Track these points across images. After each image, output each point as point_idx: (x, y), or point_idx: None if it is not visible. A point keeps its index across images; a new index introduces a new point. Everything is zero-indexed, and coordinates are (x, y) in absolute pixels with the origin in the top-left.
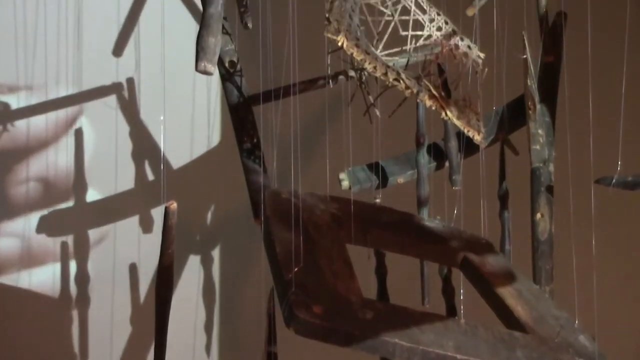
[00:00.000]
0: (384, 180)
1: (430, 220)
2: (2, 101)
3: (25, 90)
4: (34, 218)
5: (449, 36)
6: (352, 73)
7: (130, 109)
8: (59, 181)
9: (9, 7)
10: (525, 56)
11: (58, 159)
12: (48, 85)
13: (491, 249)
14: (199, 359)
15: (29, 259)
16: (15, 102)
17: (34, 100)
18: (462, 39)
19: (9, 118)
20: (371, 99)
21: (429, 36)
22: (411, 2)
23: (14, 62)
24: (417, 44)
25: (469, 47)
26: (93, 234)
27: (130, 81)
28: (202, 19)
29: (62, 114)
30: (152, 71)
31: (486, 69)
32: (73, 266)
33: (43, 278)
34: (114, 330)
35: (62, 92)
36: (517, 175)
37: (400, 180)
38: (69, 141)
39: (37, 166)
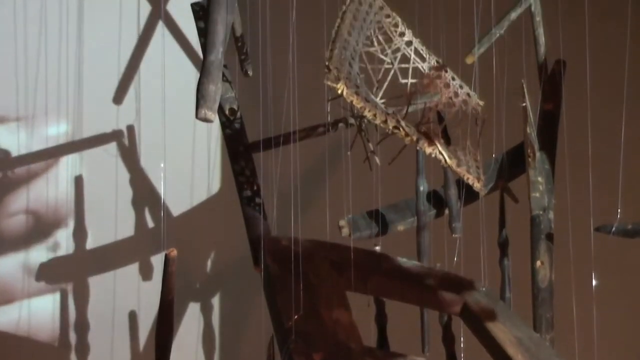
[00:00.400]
0: (384, 227)
1: (430, 267)
2: (3, 149)
3: (26, 138)
4: (33, 265)
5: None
6: (352, 120)
7: (130, 156)
8: (59, 228)
9: (9, 55)
10: (524, 104)
11: (58, 205)
12: (49, 133)
13: (491, 297)
14: None
15: (28, 306)
16: (16, 149)
17: (35, 147)
18: (461, 87)
19: (10, 165)
20: (371, 146)
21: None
22: (411, 50)
23: (14, 108)
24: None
25: (468, 94)
26: (93, 281)
27: (130, 129)
28: (203, 67)
29: (63, 161)
30: (153, 119)
31: (486, 117)
32: (72, 313)
33: (42, 325)
34: None
35: (63, 140)
36: (517, 222)
37: (400, 227)
38: (69, 188)
39: (36, 213)
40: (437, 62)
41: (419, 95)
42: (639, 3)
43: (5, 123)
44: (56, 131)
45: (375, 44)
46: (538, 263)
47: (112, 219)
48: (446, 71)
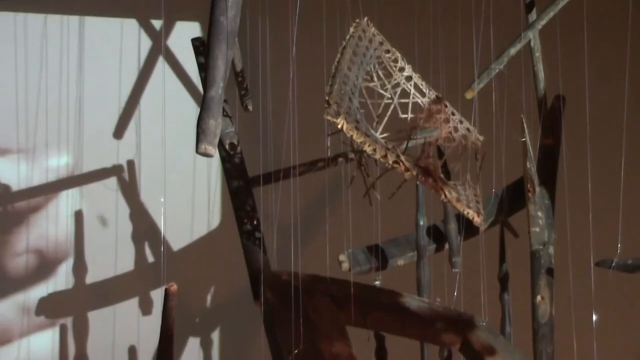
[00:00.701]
0: (384, 262)
1: (430, 302)
2: (3, 183)
3: (27, 172)
4: (32, 300)
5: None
6: (352, 155)
7: (130, 190)
8: (59, 262)
9: (11, 88)
10: (524, 139)
11: (58, 239)
12: (49, 167)
13: (492, 332)
14: None
15: (28, 342)
16: (16, 183)
17: (35, 181)
18: (461, 122)
19: (10, 199)
20: (371, 180)
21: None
22: (410, 85)
23: (15, 142)
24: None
25: (468, 129)
26: (92, 316)
27: (130, 163)
28: (203, 102)
29: (63, 195)
30: (153, 153)
31: (485, 152)
32: (72, 348)
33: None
34: None
35: (63, 174)
36: (517, 257)
37: (400, 262)
38: (69, 222)
39: (36, 247)
40: (437, 96)
41: (419, 130)
42: (638, 40)
43: (6, 156)
44: (56, 165)
45: (375, 79)
46: (538, 298)
47: (112, 254)
48: (446, 106)
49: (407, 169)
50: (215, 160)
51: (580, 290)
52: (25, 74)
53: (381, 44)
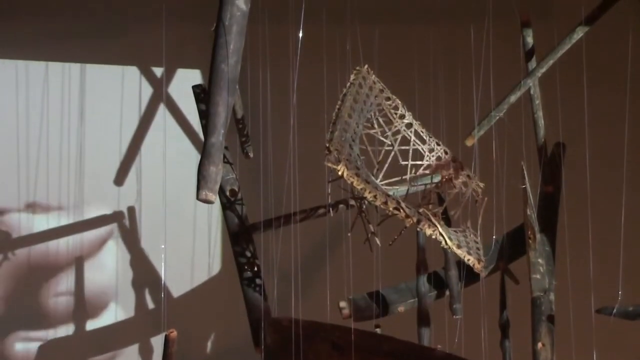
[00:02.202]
0: (384, 308)
1: (431, 349)
2: (4, 230)
3: (27, 218)
4: (32, 347)
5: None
6: (352, 202)
7: (130, 237)
8: (59, 308)
9: (12, 136)
10: (524, 186)
11: (58, 285)
12: (50, 213)
13: None
14: None
15: None
16: (17, 230)
17: (36, 228)
18: (461, 168)
19: (10, 247)
20: (372, 227)
21: (429, 166)
22: (411, 132)
23: (16, 189)
24: (417, 173)
25: (468, 176)
26: None
27: (131, 210)
28: (204, 148)
29: (63, 242)
30: (153, 200)
31: (486, 198)
32: None
33: None
34: None
35: (64, 221)
36: (518, 304)
37: (401, 308)
38: (69, 268)
39: (36, 293)
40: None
41: (419, 177)
42: (637, 84)
43: (8, 202)
44: (57, 211)
45: (376, 126)
46: (539, 345)
47: (112, 300)
48: (446, 153)
49: (407, 216)
50: (216, 207)
51: (581, 337)
52: (27, 120)
53: (382, 91)
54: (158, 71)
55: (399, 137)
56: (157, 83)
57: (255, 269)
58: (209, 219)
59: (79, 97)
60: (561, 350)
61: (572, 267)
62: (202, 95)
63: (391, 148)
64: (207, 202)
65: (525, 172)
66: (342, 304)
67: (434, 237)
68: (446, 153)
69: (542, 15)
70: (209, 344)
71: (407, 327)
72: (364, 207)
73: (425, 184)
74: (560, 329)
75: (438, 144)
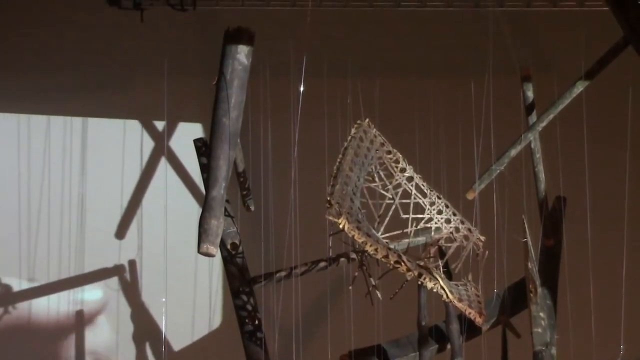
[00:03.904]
0: None
1: None
2: (4, 283)
3: (28, 272)
4: None
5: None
6: (353, 255)
7: (131, 290)
8: None
9: (13, 189)
10: (525, 239)
11: (58, 340)
12: (50, 267)
13: None
14: None
15: None
16: (18, 284)
17: (37, 281)
18: (462, 222)
19: (11, 300)
20: (372, 280)
21: (430, 219)
22: (412, 185)
23: (17, 242)
24: (418, 227)
25: (469, 230)
26: None
27: (132, 263)
28: (205, 202)
29: (64, 295)
30: (154, 253)
31: (487, 252)
32: None
33: None
34: None
35: (64, 274)
36: (520, 358)
37: None
38: (70, 322)
39: (37, 348)
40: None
41: (420, 231)
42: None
43: (8, 255)
44: (58, 265)
45: (377, 179)
46: None
47: (113, 353)
48: (447, 207)
49: (408, 269)
50: (217, 260)
51: None
52: (28, 173)
53: (382, 144)
54: (160, 125)
55: (400, 190)
56: (158, 136)
57: (257, 322)
58: (210, 272)
59: (81, 150)
60: None
61: (573, 321)
62: (204, 148)
63: (392, 201)
64: (209, 255)
65: (526, 226)
66: (343, 357)
67: (435, 290)
68: (447, 207)
69: (542, 70)
70: None
71: None
72: (365, 260)
73: (427, 238)
74: None
75: (439, 198)
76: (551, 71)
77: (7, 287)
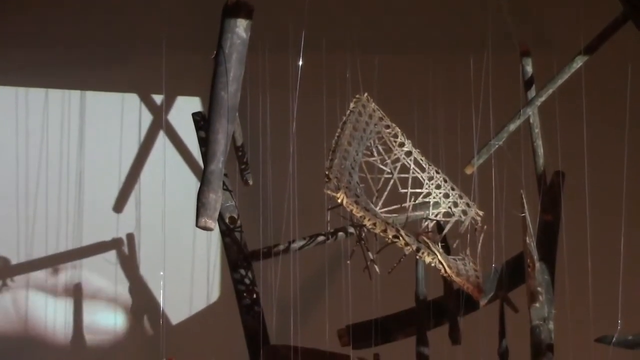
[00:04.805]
0: (383, 336)
1: None
2: (2, 256)
3: (26, 246)
4: None
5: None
6: (351, 229)
7: (129, 264)
8: (57, 336)
9: (11, 163)
10: (523, 214)
11: (56, 313)
12: (49, 241)
13: None
14: None
15: None
16: (16, 257)
17: (35, 255)
18: (460, 197)
19: (9, 274)
20: (371, 255)
21: (428, 194)
22: (410, 160)
23: (15, 215)
24: (417, 202)
25: (467, 205)
26: None
27: (130, 237)
28: (203, 176)
29: (62, 268)
30: (152, 227)
31: (485, 227)
32: None
33: None
34: None
35: (62, 248)
36: (517, 332)
37: (400, 337)
38: (67, 295)
39: (34, 321)
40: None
41: (418, 206)
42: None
43: (6, 228)
44: (56, 238)
45: (375, 154)
46: None
47: (111, 327)
48: (446, 181)
49: (407, 244)
50: (215, 234)
51: None
52: (26, 147)
53: (381, 119)
54: (158, 98)
55: (399, 165)
56: (156, 110)
57: (254, 296)
58: (208, 246)
59: (79, 124)
60: None
61: (571, 296)
62: (202, 122)
63: (390, 176)
64: (207, 229)
65: (524, 201)
66: (341, 331)
67: (433, 264)
68: (445, 181)
69: (541, 45)
70: None
71: (406, 355)
72: (364, 234)
73: (425, 212)
74: (559, 358)
75: (437, 172)
76: (550, 47)
77: (5, 261)
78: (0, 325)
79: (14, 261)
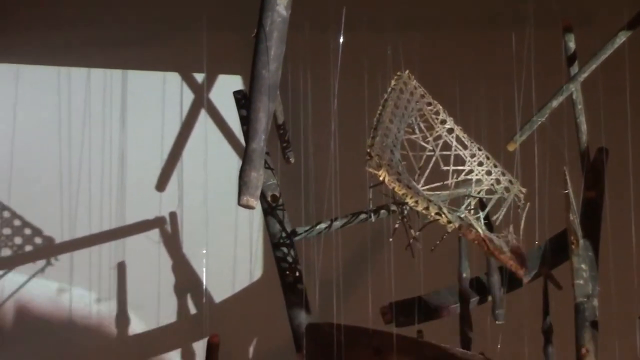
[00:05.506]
0: (426, 314)
1: (474, 354)
2: (47, 235)
3: (69, 224)
4: (76, 351)
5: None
6: (393, 207)
7: (172, 242)
8: (101, 313)
9: (54, 143)
10: (567, 191)
11: (101, 292)
12: (92, 219)
13: None
14: None
15: None
16: (60, 236)
17: (78, 234)
18: (503, 174)
19: (53, 252)
20: (413, 233)
21: (470, 171)
22: (452, 137)
23: (58, 195)
24: (459, 179)
25: (510, 182)
26: None
27: (173, 215)
28: (245, 154)
29: (105, 247)
30: (195, 205)
31: (528, 204)
32: None
33: None
34: None
35: (106, 226)
36: (561, 309)
37: (443, 314)
38: (111, 274)
39: (79, 298)
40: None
41: (461, 183)
42: None
43: (50, 207)
44: (99, 217)
45: (417, 131)
46: (583, 350)
47: (154, 305)
48: (488, 158)
49: (449, 221)
50: (257, 212)
51: (625, 343)
52: (69, 126)
53: (423, 96)
54: (199, 77)
55: (440, 142)
56: (198, 89)
57: (297, 274)
58: (251, 225)
59: (121, 102)
60: (605, 356)
61: (615, 273)
62: (243, 101)
63: (432, 153)
64: (248, 207)
65: (567, 178)
66: (384, 309)
67: (475, 242)
68: (488, 158)
69: (584, 21)
70: (251, 349)
71: (449, 332)
72: (406, 212)
73: (467, 189)
74: (604, 335)
75: (480, 149)
76: (593, 22)
77: (50, 240)
78: (45, 305)
79: (57, 240)
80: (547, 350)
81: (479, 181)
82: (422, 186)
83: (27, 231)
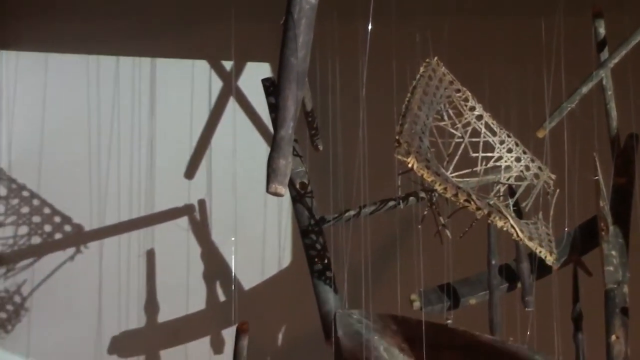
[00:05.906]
0: (455, 301)
1: (503, 341)
2: (76, 223)
3: (99, 211)
4: (105, 339)
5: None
6: (422, 194)
7: (201, 230)
8: (131, 301)
9: (83, 130)
10: (597, 177)
11: (130, 278)
12: (121, 207)
13: None
14: None
15: None
16: (89, 223)
17: (107, 221)
18: (532, 160)
19: (83, 239)
20: (442, 219)
21: (500, 158)
22: (481, 124)
23: (87, 182)
24: (488, 166)
25: (539, 168)
26: (164, 354)
27: (201, 203)
28: (273, 142)
29: (134, 235)
30: (224, 193)
31: (558, 190)
32: None
33: None
34: None
35: (135, 214)
36: (591, 296)
37: (472, 301)
38: (140, 261)
39: (108, 286)
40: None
41: (490, 170)
42: None
43: (79, 195)
44: (128, 205)
45: (446, 118)
46: (613, 337)
47: (183, 293)
48: (517, 145)
49: (478, 208)
50: (286, 200)
51: None
52: (98, 114)
53: (451, 83)
54: (227, 65)
55: (469, 129)
56: (226, 77)
57: (326, 261)
58: (279, 212)
59: (150, 91)
60: (635, 343)
61: None
62: (272, 88)
63: (461, 140)
64: (277, 194)
65: (597, 164)
66: (413, 296)
67: (505, 229)
68: (517, 145)
69: (613, 6)
70: (280, 336)
71: (478, 320)
72: (435, 199)
73: (497, 176)
74: (634, 322)
75: (509, 136)
76: (623, 8)
77: (79, 227)
78: (74, 293)
79: (87, 228)
80: (577, 337)
81: (508, 168)
82: (451, 173)
83: (57, 219)
